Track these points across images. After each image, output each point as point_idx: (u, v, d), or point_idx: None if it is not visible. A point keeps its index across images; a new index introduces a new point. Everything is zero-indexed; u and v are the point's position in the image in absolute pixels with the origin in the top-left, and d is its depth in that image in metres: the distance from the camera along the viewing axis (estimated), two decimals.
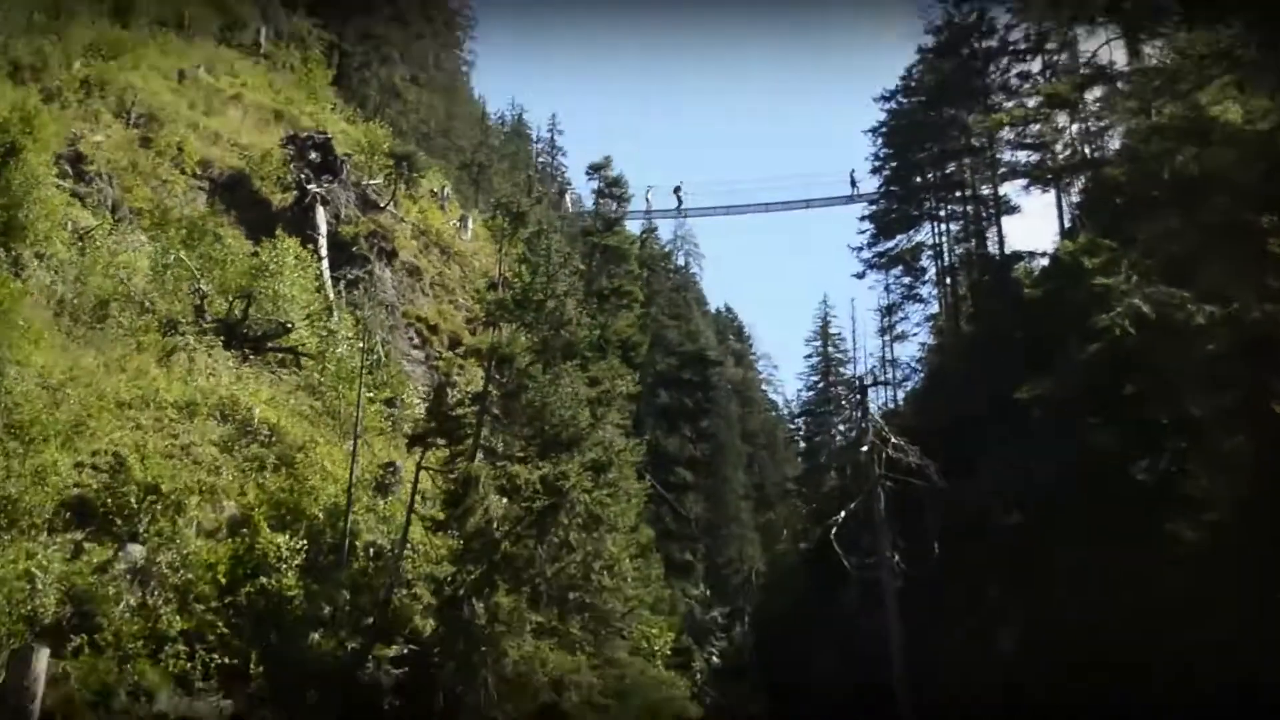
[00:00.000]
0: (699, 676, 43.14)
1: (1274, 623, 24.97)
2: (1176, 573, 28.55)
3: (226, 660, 18.33)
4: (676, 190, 66.07)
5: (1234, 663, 25.57)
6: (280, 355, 28.60)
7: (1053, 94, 46.94)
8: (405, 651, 21.59)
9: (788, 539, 66.18)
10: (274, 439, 23.61)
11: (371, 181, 40.95)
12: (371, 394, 28.24)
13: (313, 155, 37.43)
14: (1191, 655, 27.01)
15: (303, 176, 36.23)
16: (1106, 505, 32.11)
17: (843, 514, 42.51)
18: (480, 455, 23.93)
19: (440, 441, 24.59)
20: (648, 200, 65.27)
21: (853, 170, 61.03)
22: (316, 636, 20.18)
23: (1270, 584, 25.26)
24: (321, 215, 35.66)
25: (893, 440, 41.20)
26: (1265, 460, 27.51)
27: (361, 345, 28.47)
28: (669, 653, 31.47)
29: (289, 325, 28.69)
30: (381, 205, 40.22)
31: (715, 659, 51.27)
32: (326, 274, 33.84)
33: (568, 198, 75.87)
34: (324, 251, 34.46)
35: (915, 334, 60.00)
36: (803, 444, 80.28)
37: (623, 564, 25.26)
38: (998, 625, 36.71)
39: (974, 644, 36.80)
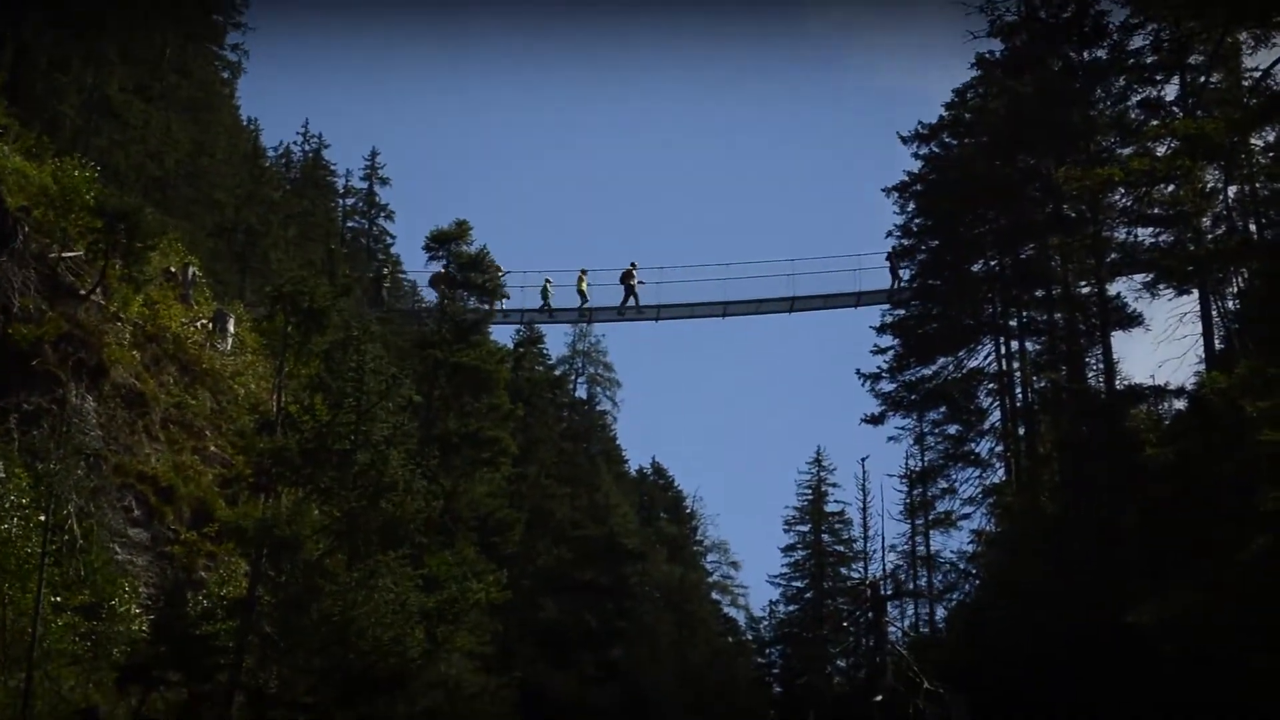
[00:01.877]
0: None
1: None
2: None
3: None
4: (627, 278, 65.69)
5: None
6: None
7: (1197, 135, 45.39)
8: None
9: None
10: None
11: (67, 254, 41.04)
12: (59, 597, 28.01)
13: None
14: None
15: None
16: None
17: None
18: (241, 700, 23.97)
19: (174, 677, 24.59)
20: (546, 300, 65.84)
21: (894, 247, 61.32)
22: None
23: None
24: None
25: (925, 686, 41.55)
26: None
27: (44, 519, 28.33)
28: None
29: None
30: (82, 293, 40.25)
31: None
32: None
33: (389, 288, 76.42)
34: None
35: (965, 516, 59.83)
36: (778, 688, 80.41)
37: None
38: None
39: None
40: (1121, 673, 38.74)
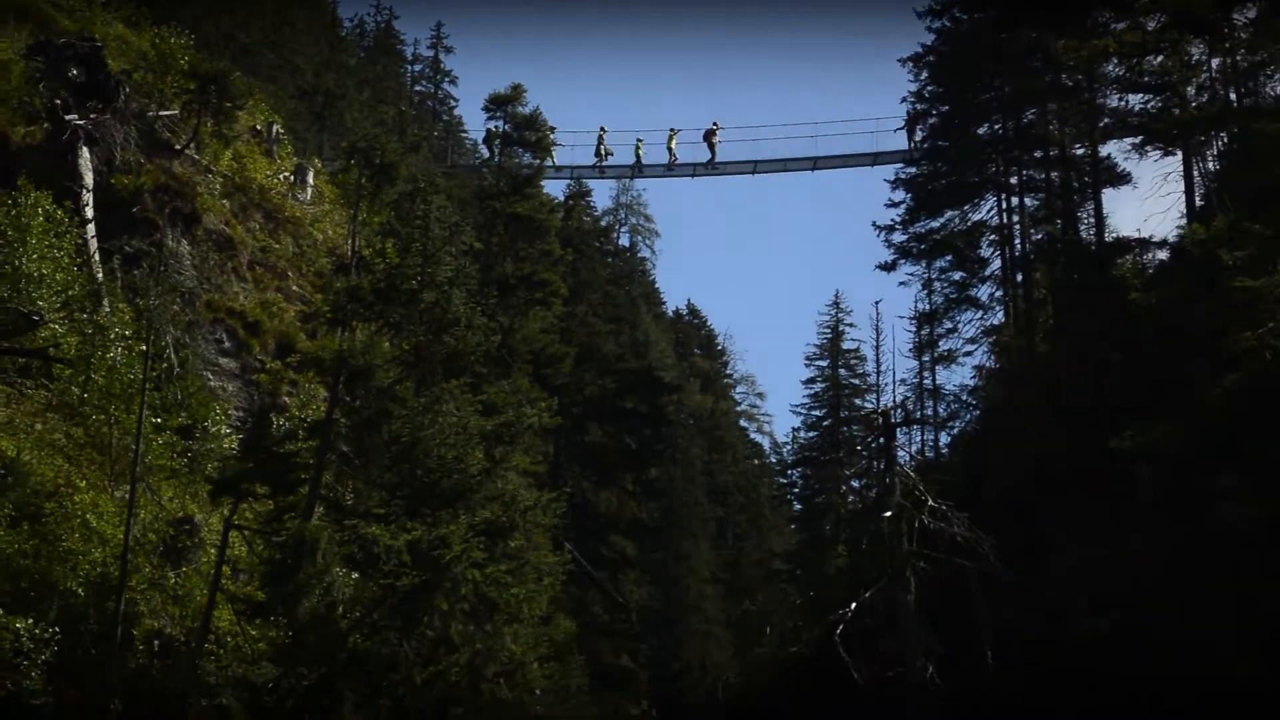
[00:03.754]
0: None
1: None
2: None
3: None
4: (710, 135, 64.20)
5: None
6: (22, 361, 28.42)
7: (1184, 10, 45.26)
8: None
9: (772, 639, 66.40)
10: (11, 480, 23.55)
11: (163, 113, 40.88)
12: (159, 419, 28.19)
13: (74, 72, 37.30)
14: None
15: (58, 102, 36.10)
16: (1245, 606, 32.21)
17: (854, 605, 42.77)
18: (320, 510, 24.11)
19: (261, 489, 24.72)
20: (638, 158, 65.06)
21: (909, 110, 60.31)
22: None
23: None
24: (87, 159, 35.50)
25: (930, 503, 41.49)
26: None
27: (144, 349, 28.36)
28: None
29: (36, 317, 28.46)
30: (177, 147, 40.15)
31: None
32: (93, 245, 33.67)
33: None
34: (90, 212, 34.26)
35: (968, 353, 59.73)
36: (798, 506, 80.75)
37: (528, 669, 25.52)
38: None
39: None
40: (1104, 493, 38.71)
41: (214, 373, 35.39)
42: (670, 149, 64.44)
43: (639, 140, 64.93)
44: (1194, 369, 35.69)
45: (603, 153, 64.86)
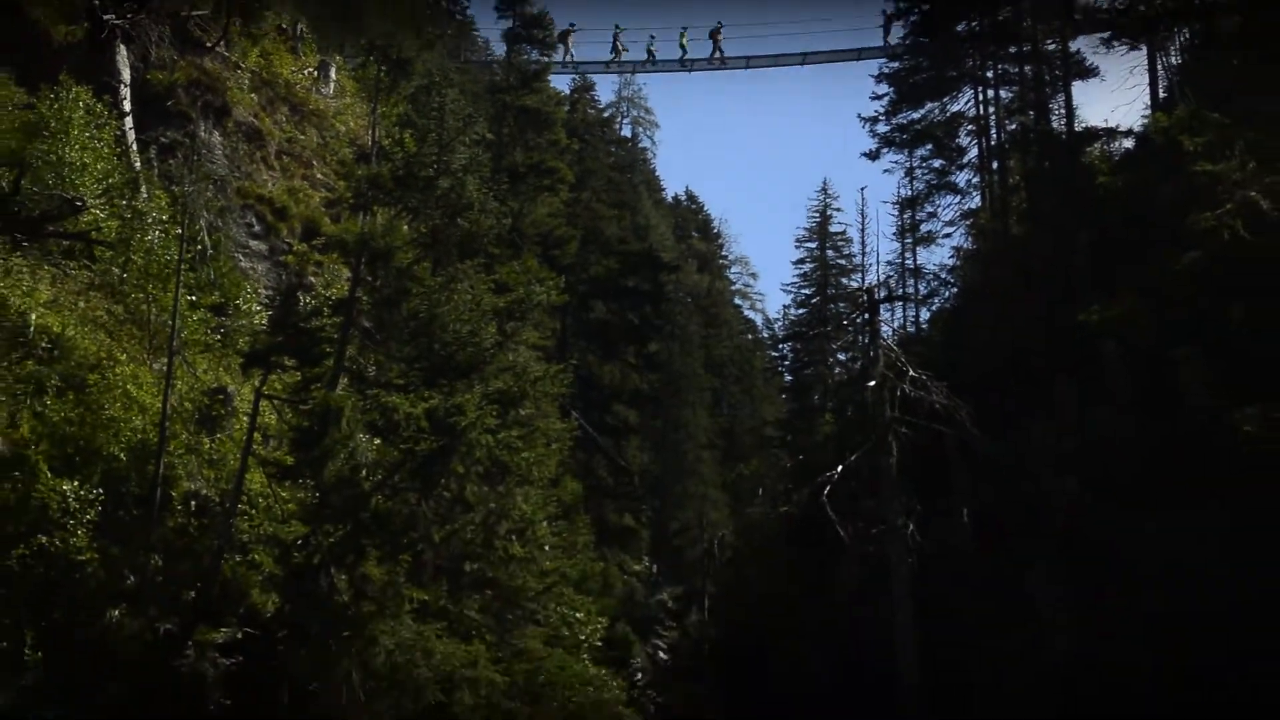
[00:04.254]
0: (639, 676, 43.77)
1: None
2: None
3: None
4: (715, 34, 63.42)
5: None
6: (66, 243, 28.24)
7: None
8: (239, 635, 21.86)
9: (764, 500, 66.69)
10: (57, 353, 23.52)
11: (195, 12, 40.36)
12: (193, 297, 28.15)
13: None
14: None
15: (97, 3, 35.61)
16: (1199, 467, 32.00)
17: (840, 468, 42.84)
18: (344, 381, 24.06)
19: (289, 362, 24.68)
20: (650, 53, 64.48)
21: (887, 9, 59.35)
22: (117, 614, 20.35)
23: None
24: (124, 56, 35.15)
25: (911, 374, 41.37)
26: None
27: (180, 232, 28.27)
28: (599, 644, 31.89)
29: (79, 203, 28.27)
30: (208, 44, 39.71)
31: (663, 654, 52.02)
32: (131, 136, 33.48)
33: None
34: (127, 106, 34.01)
35: (946, 236, 59.52)
36: (788, 377, 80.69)
37: (538, 528, 25.61)
38: (1046, 622, 36.69)
39: (1012, 645, 36.99)
40: (1072, 365, 38.60)
41: (244, 254, 35.31)
42: (682, 45, 63.59)
43: (652, 36, 64.39)
44: (1157, 248, 35.27)
45: (618, 49, 64.18)
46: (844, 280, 74.27)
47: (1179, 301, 34.06)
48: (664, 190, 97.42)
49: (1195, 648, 30.39)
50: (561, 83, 67.92)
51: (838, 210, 73.65)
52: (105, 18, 35.13)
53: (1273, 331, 31.31)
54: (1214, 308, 32.55)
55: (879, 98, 57.39)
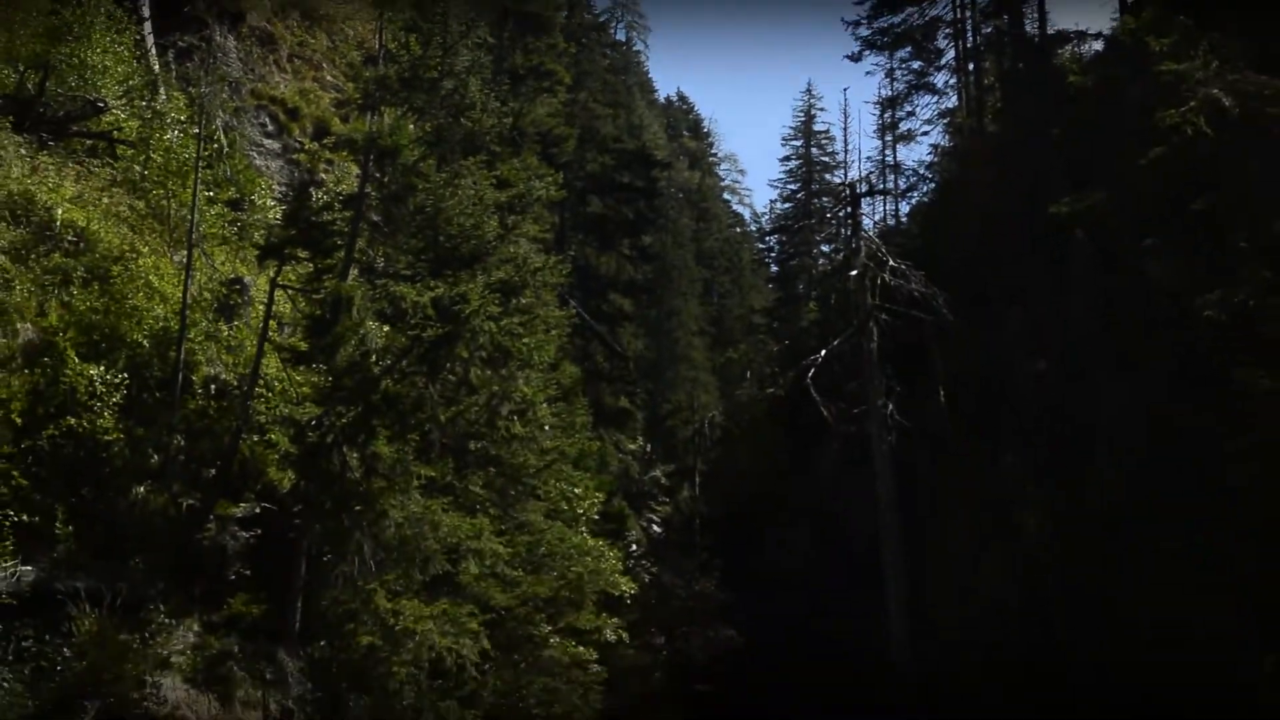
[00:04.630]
0: (634, 548, 44.14)
1: None
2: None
3: (24, 518, 18.60)
4: None
5: None
6: (90, 142, 28.15)
7: None
8: (257, 510, 21.97)
9: (752, 383, 67.14)
10: (83, 246, 23.39)
11: None
12: (211, 192, 28.01)
13: None
14: None
15: None
16: (1163, 350, 32.21)
17: (823, 353, 42.99)
18: (354, 272, 23.96)
19: (302, 254, 24.55)
20: None
21: None
22: (142, 490, 20.47)
23: None
24: None
25: (891, 264, 41.34)
26: None
27: (197, 131, 28.00)
28: (596, 518, 32.09)
29: (101, 104, 28.17)
30: None
31: (656, 528, 52.46)
32: (150, 40, 33.10)
33: None
34: (146, 11, 33.61)
35: (925, 134, 60.06)
36: (775, 268, 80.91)
37: (538, 409, 25.67)
38: (1011, 502, 36.84)
39: (982, 523, 37.30)
40: (1045, 256, 38.45)
41: (259, 152, 35.14)
42: None
43: None
44: (1124, 144, 35.06)
45: None
46: (828, 176, 74.44)
47: (1146, 194, 33.88)
48: (656, 91, 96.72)
49: (1156, 520, 30.65)
50: None
51: (822, 110, 73.64)
52: None
53: (1233, 221, 31.24)
54: (1179, 199, 32.34)
55: (861, 2, 57.00)
